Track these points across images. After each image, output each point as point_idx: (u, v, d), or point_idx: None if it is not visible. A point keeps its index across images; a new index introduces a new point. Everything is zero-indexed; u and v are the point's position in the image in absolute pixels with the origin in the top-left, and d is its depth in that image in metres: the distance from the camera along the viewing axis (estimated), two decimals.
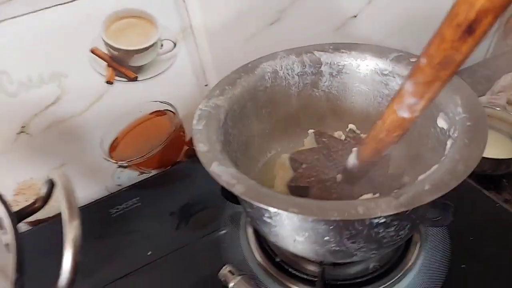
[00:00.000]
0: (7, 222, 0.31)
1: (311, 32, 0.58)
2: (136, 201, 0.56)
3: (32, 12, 0.42)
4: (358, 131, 0.43)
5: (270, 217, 0.33)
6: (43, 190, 0.34)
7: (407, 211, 0.29)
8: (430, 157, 0.33)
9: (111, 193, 0.58)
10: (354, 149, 0.35)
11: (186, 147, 0.63)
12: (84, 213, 0.54)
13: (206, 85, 0.57)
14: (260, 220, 0.35)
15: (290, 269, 0.42)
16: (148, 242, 0.50)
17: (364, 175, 0.36)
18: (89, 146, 0.54)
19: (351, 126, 0.44)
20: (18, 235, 0.30)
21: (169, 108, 0.57)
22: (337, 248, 0.33)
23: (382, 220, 0.30)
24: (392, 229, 0.32)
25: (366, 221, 0.30)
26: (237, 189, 0.29)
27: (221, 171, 0.31)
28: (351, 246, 0.32)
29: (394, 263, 0.41)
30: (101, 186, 0.59)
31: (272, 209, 0.27)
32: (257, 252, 0.45)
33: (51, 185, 0.33)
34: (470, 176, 0.50)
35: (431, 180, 0.28)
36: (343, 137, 0.43)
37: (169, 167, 0.62)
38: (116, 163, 0.58)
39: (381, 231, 0.31)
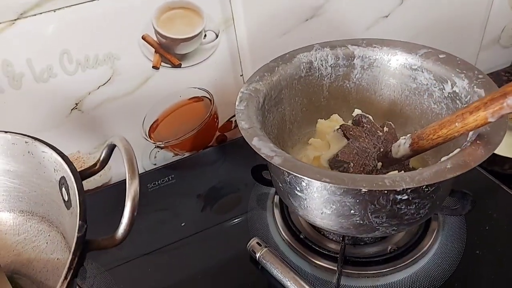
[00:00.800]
0: (71, 180, 0.35)
1: (344, 30, 0.62)
2: (171, 178, 0.60)
3: (95, 0, 0.47)
4: (366, 115, 0.45)
5: (301, 191, 0.37)
6: (103, 154, 0.38)
7: (428, 188, 0.32)
8: (454, 144, 0.36)
9: (148, 170, 0.63)
10: (403, 140, 0.38)
11: (218, 133, 0.67)
12: (124, 186, 0.59)
13: (241, 75, 0.61)
14: (292, 193, 0.38)
15: (313, 245, 0.45)
16: (179, 218, 0.54)
17: (408, 158, 0.39)
18: (132, 126, 0.59)
19: (357, 111, 0.46)
20: (82, 190, 0.34)
21: (206, 95, 0.61)
22: (361, 222, 0.36)
23: (405, 197, 0.33)
24: (413, 206, 0.35)
25: (390, 196, 0.33)
26: (276, 160, 0.33)
27: (261, 144, 0.35)
28: (374, 220, 0.35)
29: (411, 246, 0.44)
30: (138, 164, 0.63)
31: (306, 179, 0.31)
32: (283, 229, 0.48)
33: (111, 149, 0.38)
34: (491, 173, 0.52)
35: (453, 160, 0.31)
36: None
37: (200, 151, 0.67)
38: (154, 143, 0.62)
39: (403, 207, 0.34)
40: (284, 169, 0.32)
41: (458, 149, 0.33)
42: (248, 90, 0.42)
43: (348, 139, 0.42)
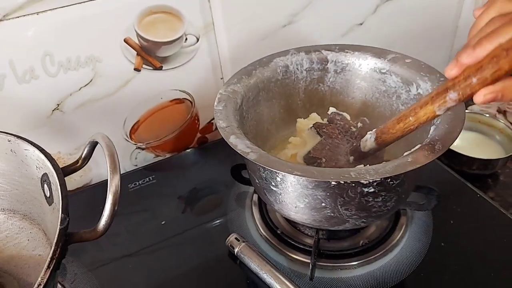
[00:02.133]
0: (54, 175, 0.37)
1: (319, 36, 0.64)
2: (151, 179, 0.61)
3: (78, 3, 0.48)
4: (340, 112, 0.48)
5: (276, 186, 0.39)
6: (85, 151, 0.39)
7: (393, 181, 0.35)
8: (416, 141, 0.38)
9: (129, 171, 0.64)
10: (369, 135, 0.41)
11: (199, 135, 0.68)
12: (105, 187, 0.60)
13: (221, 78, 0.63)
14: (267, 189, 0.40)
15: (289, 240, 0.47)
16: (160, 219, 0.55)
17: (375, 152, 0.42)
18: (113, 127, 0.60)
19: (332, 109, 0.49)
20: (64, 184, 0.35)
21: (187, 97, 0.63)
22: (332, 215, 0.38)
23: (372, 189, 0.35)
24: (380, 199, 0.37)
25: (358, 189, 0.35)
26: (251, 156, 0.35)
27: (238, 142, 0.36)
28: (344, 212, 0.38)
29: (381, 239, 0.47)
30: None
31: (280, 173, 0.33)
32: (261, 225, 0.50)
33: (93, 147, 0.39)
34: (459, 173, 0.55)
35: (413, 155, 0.33)
36: (348, 117, 0.48)
37: (181, 152, 0.68)
38: (135, 144, 0.63)
39: (370, 199, 0.37)
40: (259, 164, 0.34)
41: (419, 145, 0.35)
42: (227, 91, 0.44)
43: (321, 136, 0.44)
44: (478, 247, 0.46)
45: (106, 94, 0.56)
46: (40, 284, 0.28)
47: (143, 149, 0.65)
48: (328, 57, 0.50)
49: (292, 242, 0.47)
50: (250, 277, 0.45)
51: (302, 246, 0.46)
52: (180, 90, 0.61)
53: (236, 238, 0.47)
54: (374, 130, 0.41)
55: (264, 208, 0.52)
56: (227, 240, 0.47)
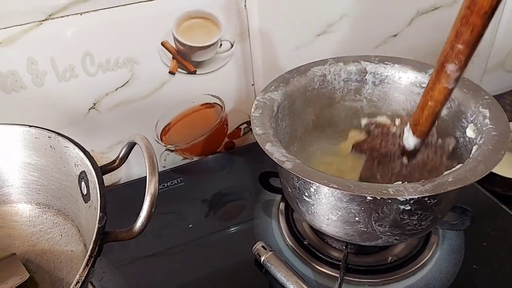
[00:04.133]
0: (92, 174, 0.37)
1: (354, 46, 0.64)
2: (179, 181, 0.62)
3: (121, 5, 0.49)
4: (373, 119, 0.48)
5: (309, 196, 0.38)
6: (123, 152, 0.40)
7: (430, 200, 0.34)
8: (457, 161, 0.38)
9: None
10: (406, 132, 0.41)
11: (226, 140, 0.69)
12: (133, 187, 0.61)
13: (252, 85, 0.63)
14: (300, 199, 0.40)
15: (316, 252, 0.47)
16: (186, 222, 0.55)
17: (421, 147, 0.41)
18: (145, 128, 0.61)
19: (363, 121, 0.49)
20: (102, 183, 0.36)
21: (218, 102, 0.63)
22: (365, 230, 0.38)
23: (408, 207, 0.35)
24: (415, 217, 0.36)
25: (394, 206, 0.35)
26: (287, 165, 0.35)
27: (274, 150, 0.36)
28: (378, 228, 0.37)
29: (411, 257, 0.46)
30: None
31: (315, 184, 0.33)
32: (287, 235, 0.50)
33: (130, 147, 0.40)
34: (491, 193, 0.54)
35: (454, 174, 0.33)
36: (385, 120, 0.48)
37: (209, 156, 0.68)
38: (165, 146, 0.64)
39: (405, 217, 0.36)
40: (295, 173, 0.34)
41: (460, 165, 0.35)
42: (264, 98, 0.44)
43: (365, 153, 0.44)
44: (511, 271, 0.45)
45: (141, 96, 0.57)
46: (78, 282, 0.29)
47: (172, 151, 0.65)
48: (367, 68, 0.49)
49: (319, 255, 0.47)
50: (275, 286, 0.44)
51: (329, 260, 0.46)
52: (211, 95, 0.62)
53: (263, 247, 0.46)
54: (408, 125, 0.41)
55: (291, 217, 0.52)
56: (253, 247, 0.47)
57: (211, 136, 0.66)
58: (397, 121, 0.46)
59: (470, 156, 0.36)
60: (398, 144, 0.44)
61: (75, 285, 0.28)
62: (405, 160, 0.43)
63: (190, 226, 0.54)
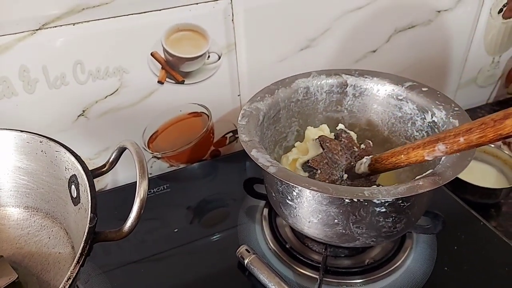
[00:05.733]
0: (83, 177, 0.39)
1: (334, 61, 0.67)
2: (165, 187, 0.63)
3: (112, 17, 0.51)
4: (348, 131, 0.50)
5: (292, 200, 0.41)
6: (113, 156, 0.42)
7: (404, 203, 0.37)
8: (428, 167, 0.41)
9: None
10: (365, 159, 0.43)
11: (212, 148, 0.71)
12: (120, 193, 0.62)
13: (238, 95, 0.66)
14: (283, 202, 0.42)
15: (297, 255, 0.49)
16: (171, 227, 0.57)
17: (367, 176, 0.44)
18: (133, 135, 0.62)
19: (341, 126, 0.51)
20: (93, 185, 0.37)
21: (205, 111, 0.65)
22: (344, 232, 0.40)
23: (383, 209, 0.37)
24: (390, 220, 0.39)
25: (370, 208, 0.37)
26: (271, 169, 0.37)
27: (259, 155, 0.39)
28: (355, 230, 0.39)
29: (387, 260, 0.48)
30: (135, 171, 0.66)
31: (297, 188, 0.35)
32: (270, 239, 0.52)
33: (121, 152, 0.41)
34: (463, 200, 0.57)
35: (424, 179, 0.36)
36: (355, 137, 0.50)
37: (195, 164, 0.70)
38: (152, 153, 0.66)
39: (381, 219, 0.38)
40: (278, 177, 0.36)
41: (431, 170, 0.37)
42: (250, 108, 0.47)
43: (323, 149, 0.46)
44: (480, 273, 0.48)
45: (130, 104, 0.59)
46: (69, 278, 0.30)
47: (158, 158, 0.67)
48: (347, 81, 0.52)
49: (300, 257, 0.49)
50: None
51: (310, 262, 0.48)
52: (198, 104, 0.64)
53: (246, 250, 0.48)
54: (370, 156, 0.43)
55: (274, 222, 0.54)
56: (237, 251, 0.49)
57: (197, 144, 0.68)
58: (362, 146, 0.49)
59: (440, 163, 0.39)
60: (350, 161, 0.47)
61: (66, 281, 0.30)
62: (345, 176, 0.46)
63: (176, 230, 0.56)
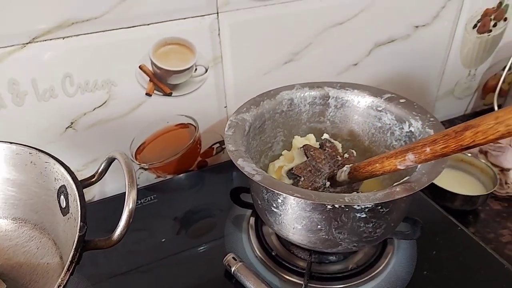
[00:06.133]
0: (72, 187, 0.40)
1: (317, 74, 0.70)
2: (153, 198, 0.64)
3: (101, 31, 0.53)
4: (331, 139, 0.52)
5: (277, 207, 0.42)
6: (102, 167, 0.43)
7: (383, 209, 0.39)
8: (407, 175, 0.43)
9: None
10: (346, 168, 0.45)
11: (199, 159, 0.72)
12: (107, 204, 0.62)
13: (225, 107, 0.68)
14: (269, 210, 0.44)
15: (283, 262, 0.50)
16: (158, 238, 0.57)
17: (347, 184, 0.46)
18: (121, 147, 0.63)
19: (325, 135, 0.53)
20: (83, 195, 0.38)
21: (192, 122, 0.67)
22: (326, 237, 0.41)
23: (364, 215, 0.39)
24: (371, 225, 0.41)
25: (351, 214, 0.39)
26: (256, 178, 0.38)
27: (245, 164, 0.40)
28: (338, 236, 0.41)
29: (369, 265, 0.50)
30: (122, 183, 0.67)
31: (282, 195, 0.37)
32: (257, 247, 0.53)
33: (109, 163, 0.42)
34: (442, 207, 0.59)
35: (401, 185, 0.38)
36: (340, 149, 0.52)
37: (182, 174, 0.71)
38: (139, 164, 0.67)
39: (362, 225, 0.40)
40: (263, 185, 0.38)
41: (408, 177, 0.39)
42: (236, 119, 0.48)
43: (307, 157, 0.48)
44: (458, 277, 0.49)
45: (118, 116, 0.60)
46: (60, 285, 0.31)
47: (146, 169, 0.68)
48: (329, 93, 0.55)
49: (286, 264, 0.50)
50: None
51: (295, 268, 0.49)
52: (186, 116, 0.65)
53: (233, 258, 0.49)
54: (351, 165, 0.45)
55: (260, 231, 0.55)
56: (224, 259, 0.50)
57: (184, 155, 0.69)
58: (346, 155, 0.51)
59: (416, 170, 0.41)
60: (333, 169, 0.49)
61: None
62: (328, 183, 0.48)
63: (163, 240, 0.56)
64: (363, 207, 0.38)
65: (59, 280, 0.31)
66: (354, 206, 0.37)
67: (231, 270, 0.49)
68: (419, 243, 0.53)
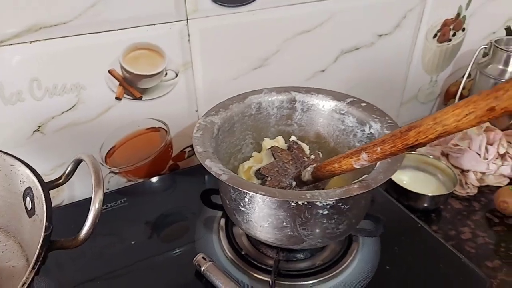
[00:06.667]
0: (38, 188, 0.40)
1: (286, 80, 0.72)
2: (123, 201, 0.64)
3: (70, 36, 0.53)
4: (298, 141, 0.55)
5: (244, 206, 0.43)
6: (69, 168, 0.43)
7: (344, 205, 0.41)
8: (364, 172, 0.45)
9: None
10: (309, 168, 0.47)
11: (171, 162, 0.72)
12: (76, 208, 0.62)
13: (196, 111, 0.69)
14: (236, 209, 0.45)
15: (252, 261, 0.51)
16: (128, 241, 0.57)
17: (311, 183, 0.48)
18: (90, 150, 0.63)
19: (293, 137, 0.56)
20: (48, 196, 0.38)
21: (163, 126, 0.67)
22: (292, 234, 0.43)
23: (325, 212, 0.41)
24: (333, 221, 0.43)
25: (313, 211, 0.40)
26: (223, 177, 0.40)
27: (212, 165, 0.41)
28: (302, 232, 0.43)
29: (334, 262, 0.52)
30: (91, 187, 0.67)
31: (249, 194, 0.38)
32: (227, 247, 0.54)
33: (77, 164, 0.43)
34: (407, 207, 0.62)
35: (360, 183, 0.40)
36: (308, 150, 0.54)
37: (153, 178, 0.71)
38: (110, 168, 0.67)
39: (324, 221, 0.42)
40: (230, 184, 0.39)
41: (366, 175, 0.42)
42: (205, 121, 0.50)
43: (274, 158, 0.50)
44: (419, 271, 0.52)
45: (87, 120, 0.60)
46: (24, 283, 0.31)
47: (116, 173, 0.68)
48: (296, 97, 0.57)
49: (255, 263, 0.51)
50: None
51: (264, 266, 0.50)
52: (156, 119, 0.66)
53: (203, 258, 0.50)
54: (314, 165, 0.47)
55: (230, 232, 0.56)
56: (194, 259, 0.50)
57: (156, 159, 0.70)
58: (312, 156, 0.53)
59: (374, 169, 0.43)
60: (299, 170, 0.51)
61: (22, 287, 0.30)
62: (294, 183, 0.50)
63: (133, 243, 0.57)
64: (324, 203, 0.40)
65: (24, 278, 0.31)
66: (316, 203, 0.39)
67: (201, 270, 0.49)
68: (383, 240, 0.56)
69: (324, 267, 0.51)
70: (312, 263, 0.51)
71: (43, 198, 0.38)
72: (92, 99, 0.59)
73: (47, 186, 0.40)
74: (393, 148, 0.35)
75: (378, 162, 0.44)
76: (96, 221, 0.37)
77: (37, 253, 0.33)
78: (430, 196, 0.65)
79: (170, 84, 0.64)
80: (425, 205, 0.66)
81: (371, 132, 0.52)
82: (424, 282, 0.50)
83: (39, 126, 0.57)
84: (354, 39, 0.76)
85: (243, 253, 0.52)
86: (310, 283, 0.49)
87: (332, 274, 0.50)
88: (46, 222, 0.36)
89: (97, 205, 0.37)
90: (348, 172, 0.42)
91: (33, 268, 0.32)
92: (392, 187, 0.68)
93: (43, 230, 0.35)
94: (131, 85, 0.61)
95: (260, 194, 0.37)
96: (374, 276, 0.50)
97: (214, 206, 0.57)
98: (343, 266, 0.51)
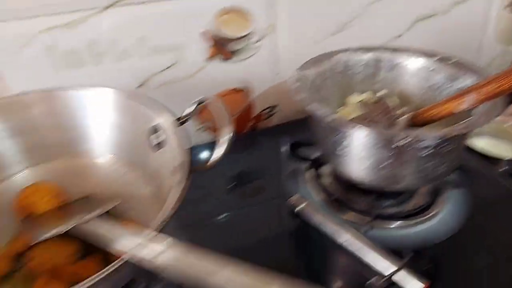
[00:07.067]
0: (168, 124, 0.45)
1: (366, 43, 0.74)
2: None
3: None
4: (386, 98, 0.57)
5: (347, 146, 0.47)
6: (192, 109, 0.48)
7: (446, 146, 0.43)
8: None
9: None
10: (405, 116, 0.50)
11: (252, 122, 0.77)
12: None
13: (277, 74, 0.72)
14: (336, 151, 0.48)
15: (344, 205, 0.55)
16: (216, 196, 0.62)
17: None
18: (184, 107, 0.68)
19: (382, 92, 0.59)
20: (182, 129, 0.44)
21: (246, 87, 0.72)
22: (390, 174, 0.46)
23: (426, 153, 0.43)
24: (431, 163, 0.45)
25: (414, 151, 0.43)
26: (329, 118, 0.43)
27: (317, 108, 0.45)
28: (401, 172, 0.46)
29: (424, 208, 0.54)
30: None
31: (352, 131, 0.41)
32: (318, 193, 0.57)
33: (198, 105, 0.48)
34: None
35: (463, 125, 0.42)
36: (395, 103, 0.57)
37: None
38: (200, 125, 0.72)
39: (425, 162, 0.45)
40: (336, 124, 0.42)
41: (469, 118, 0.44)
42: (300, 74, 0.53)
43: (365, 111, 0.53)
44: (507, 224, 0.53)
45: (183, 78, 0.65)
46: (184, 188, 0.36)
47: (204, 129, 0.73)
48: (382, 56, 0.59)
49: (347, 206, 0.54)
50: (311, 233, 0.52)
51: (357, 210, 0.53)
52: (241, 80, 0.70)
53: (299, 198, 0.54)
54: (411, 113, 0.49)
55: (319, 181, 0.59)
56: (291, 198, 0.54)
57: (238, 118, 0.74)
58: (402, 109, 0.55)
59: (476, 112, 0.45)
60: (391, 121, 0.52)
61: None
62: None
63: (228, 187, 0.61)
64: (426, 145, 0.42)
65: (184, 183, 0.36)
66: (419, 144, 0.42)
67: (297, 209, 0.53)
68: (470, 192, 0.56)
69: (414, 212, 0.53)
70: (402, 210, 0.54)
71: (176, 130, 0.43)
72: (188, 59, 0.64)
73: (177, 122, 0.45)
74: (499, 88, 0.37)
75: (481, 106, 0.45)
76: (223, 153, 0.42)
77: (181, 175, 0.38)
78: (508, 160, 0.65)
79: (255, 46, 0.67)
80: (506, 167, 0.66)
81: (461, 88, 0.53)
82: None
83: (142, 83, 0.63)
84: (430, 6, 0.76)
85: (334, 197, 0.56)
86: (401, 225, 0.51)
87: (423, 218, 0.52)
88: (186, 148, 0.41)
89: (227, 140, 0.42)
90: (445, 118, 0.44)
91: (187, 177, 0.37)
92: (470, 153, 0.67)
93: (185, 157, 0.40)
94: (221, 47, 0.65)
95: (367, 130, 0.41)
96: (463, 227, 0.51)
97: (301, 158, 0.61)
98: (433, 213, 0.53)
